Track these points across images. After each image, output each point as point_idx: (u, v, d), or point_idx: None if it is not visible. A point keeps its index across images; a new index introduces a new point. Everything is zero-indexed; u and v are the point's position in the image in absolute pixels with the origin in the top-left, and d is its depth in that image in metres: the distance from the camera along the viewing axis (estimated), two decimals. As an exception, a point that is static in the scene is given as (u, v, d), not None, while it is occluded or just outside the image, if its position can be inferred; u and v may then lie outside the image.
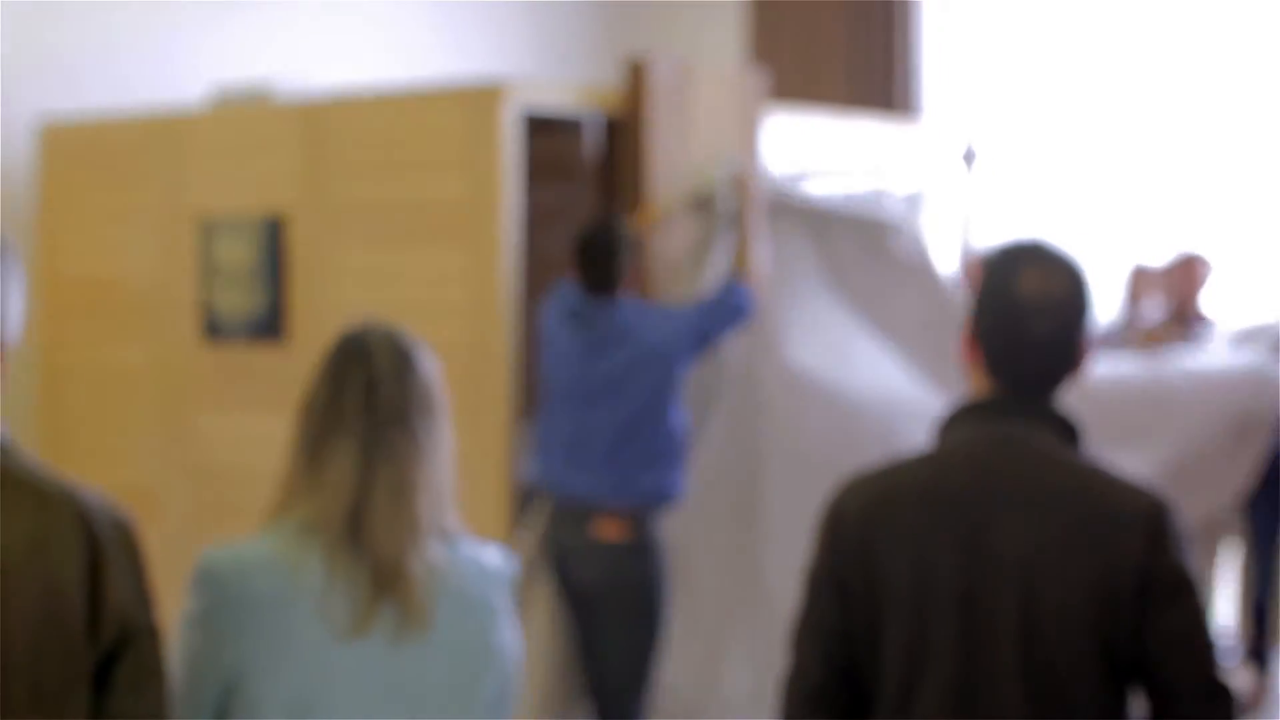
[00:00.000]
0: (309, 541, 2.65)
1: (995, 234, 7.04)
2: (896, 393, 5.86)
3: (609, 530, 5.31)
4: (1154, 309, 7.73)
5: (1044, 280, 2.71)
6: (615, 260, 5.51)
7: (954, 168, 7.52)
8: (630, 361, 5.39)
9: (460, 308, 5.70)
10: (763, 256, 5.71)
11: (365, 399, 2.70)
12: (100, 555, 2.37)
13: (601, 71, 6.93)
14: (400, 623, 2.66)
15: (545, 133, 6.35)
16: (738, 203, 5.80)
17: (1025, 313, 2.70)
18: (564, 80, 7.85)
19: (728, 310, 5.46)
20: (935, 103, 9.28)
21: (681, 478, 5.43)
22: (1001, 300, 2.73)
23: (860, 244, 6.21)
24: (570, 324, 5.53)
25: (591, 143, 6.14)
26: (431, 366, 2.79)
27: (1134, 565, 2.56)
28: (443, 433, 2.77)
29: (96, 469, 6.41)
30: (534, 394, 5.85)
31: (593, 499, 5.35)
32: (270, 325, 6.21)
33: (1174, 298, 7.74)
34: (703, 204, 5.88)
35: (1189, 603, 2.58)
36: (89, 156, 6.86)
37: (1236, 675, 6.61)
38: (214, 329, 6.39)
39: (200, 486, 6.47)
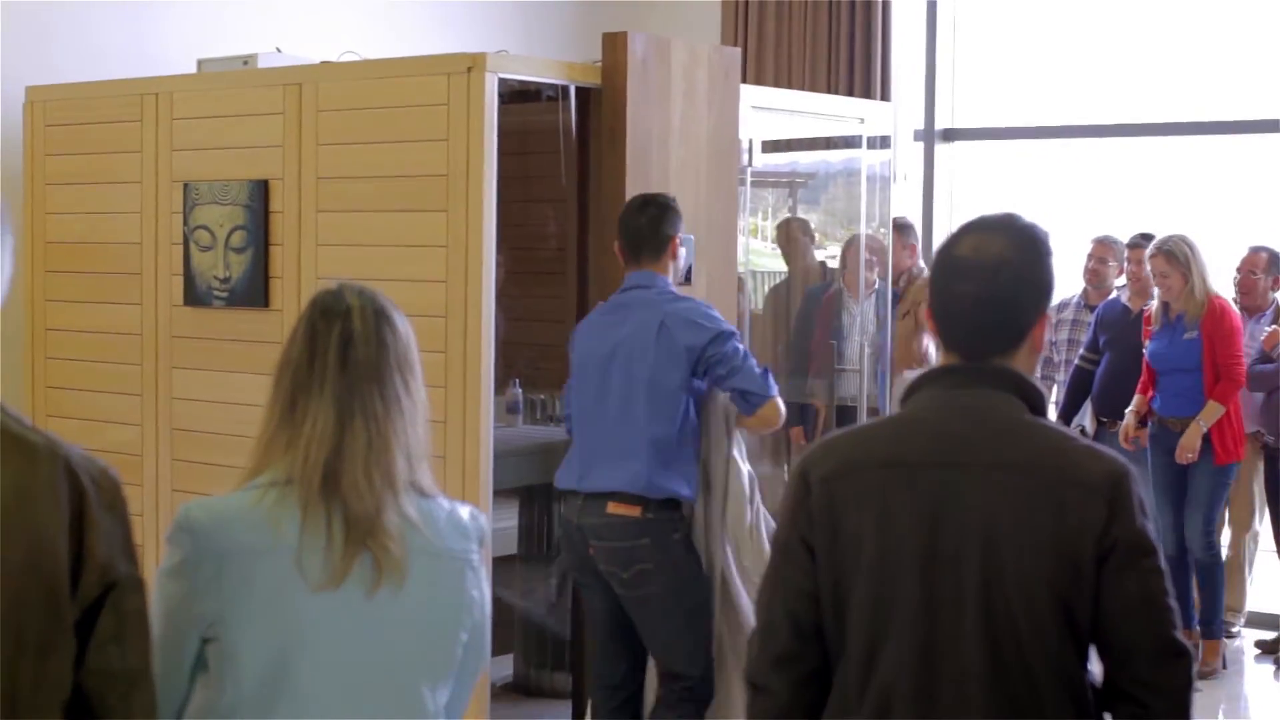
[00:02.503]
0: (286, 495, 2.69)
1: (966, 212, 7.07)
2: None
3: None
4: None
5: (980, 243, 2.75)
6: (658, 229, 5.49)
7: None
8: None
9: (440, 275, 5.73)
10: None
11: (341, 356, 2.73)
12: (85, 508, 2.37)
13: (581, 55, 6.97)
14: (375, 575, 2.69)
15: (525, 105, 6.40)
16: None
17: (956, 273, 2.75)
18: (543, 54, 7.87)
19: (764, 380, 5.38)
20: (904, 87, 9.30)
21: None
22: (941, 261, 2.79)
23: None
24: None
25: (570, 115, 6.17)
26: (405, 325, 2.82)
27: (1095, 529, 2.60)
28: (417, 391, 2.79)
29: (80, 429, 6.45)
30: (512, 360, 5.88)
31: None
32: (252, 291, 6.23)
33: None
34: None
35: (1148, 565, 2.62)
36: (74, 122, 6.87)
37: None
38: (197, 294, 6.41)
39: (183, 448, 6.50)
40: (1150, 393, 7.73)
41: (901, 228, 8.50)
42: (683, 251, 5.64)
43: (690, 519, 5.49)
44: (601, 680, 5.62)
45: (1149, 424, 7.77)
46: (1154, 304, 7.74)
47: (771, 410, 5.40)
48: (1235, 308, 7.75)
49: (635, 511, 5.33)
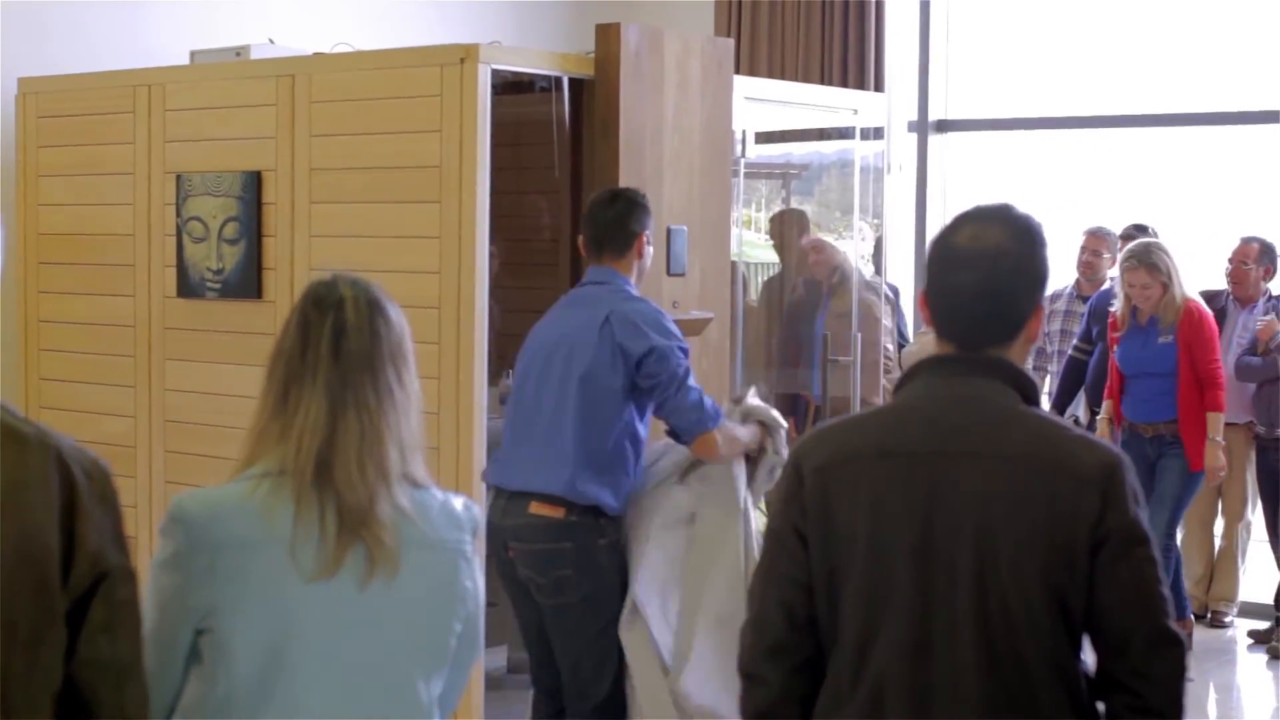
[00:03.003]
0: (279, 486, 2.69)
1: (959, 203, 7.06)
2: None
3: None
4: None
5: (978, 233, 2.75)
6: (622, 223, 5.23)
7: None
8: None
9: (434, 266, 5.73)
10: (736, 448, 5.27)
11: (333, 346, 2.72)
12: (76, 499, 2.37)
13: (574, 46, 6.97)
14: (369, 566, 2.69)
15: (518, 96, 6.40)
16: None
17: (954, 262, 2.75)
18: (536, 46, 7.87)
19: (697, 412, 5.05)
20: (898, 78, 9.30)
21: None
22: (939, 251, 2.79)
23: None
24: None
25: (563, 106, 6.17)
26: (399, 316, 2.81)
27: (1089, 519, 2.60)
28: (411, 383, 2.79)
29: (73, 421, 6.45)
30: (505, 352, 5.88)
31: None
32: (245, 282, 6.23)
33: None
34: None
35: (1141, 555, 2.62)
36: (66, 114, 6.87)
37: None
38: (190, 285, 6.41)
39: (176, 439, 6.50)
40: (1118, 397, 7.66)
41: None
42: (649, 250, 5.30)
43: (622, 527, 5.16)
44: (540, 685, 5.33)
45: (1120, 429, 7.65)
46: (1118, 306, 7.65)
47: (707, 445, 5.06)
48: (1207, 307, 7.59)
49: (558, 513, 5.01)
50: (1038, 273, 2.78)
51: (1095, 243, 8.50)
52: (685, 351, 5.10)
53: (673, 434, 5.16)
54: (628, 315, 5.05)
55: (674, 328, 5.13)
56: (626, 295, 5.15)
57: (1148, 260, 7.37)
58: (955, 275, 2.74)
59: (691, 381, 5.05)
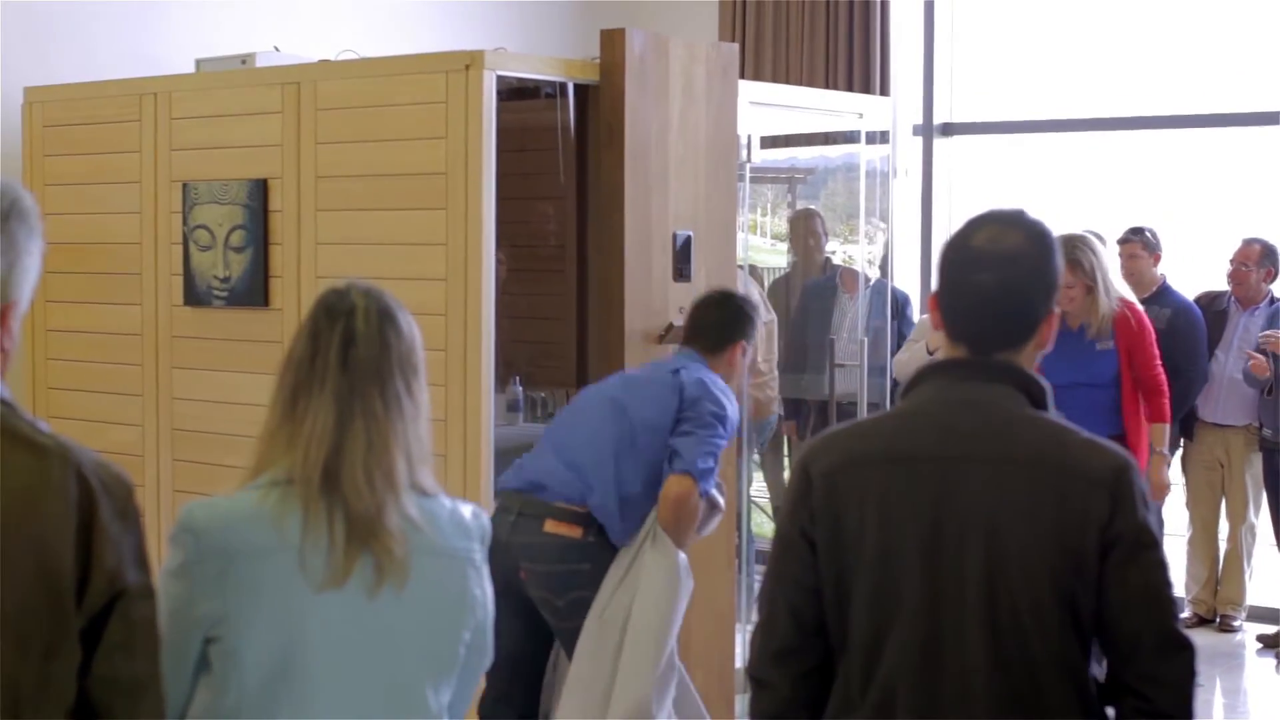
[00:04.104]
0: (288, 495, 2.69)
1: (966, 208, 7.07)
2: None
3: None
4: None
5: (997, 235, 2.75)
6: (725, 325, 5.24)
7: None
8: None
9: (440, 274, 5.74)
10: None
11: (343, 355, 2.72)
12: (94, 514, 2.35)
13: (579, 52, 6.98)
14: (378, 575, 2.69)
15: (523, 102, 6.40)
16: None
17: (974, 264, 2.74)
18: (541, 52, 7.88)
19: (703, 456, 4.97)
20: (903, 82, 9.30)
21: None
22: (955, 253, 2.78)
23: None
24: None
25: (568, 112, 6.17)
26: (411, 326, 2.81)
27: (1098, 522, 2.60)
28: (420, 393, 2.79)
29: (81, 430, 6.44)
30: (512, 358, 5.88)
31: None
32: (252, 290, 6.24)
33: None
34: None
35: (1151, 558, 2.62)
36: (73, 123, 6.88)
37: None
38: (197, 293, 6.41)
39: (184, 448, 6.50)
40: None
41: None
42: (743, 362, 5.31)
43: None
44: (492, 714, 5.19)
45: None
46: None
47: (682, 486, 4.94)
48: (1142, 307, 7.08)
49: (575, 533, 4.94)
50: (1053, 278, 2.78)
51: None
52: (727, 427, 5.05)
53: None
54: (700, 377, 5.08)
55: (733, 410, 5.10)
56: (704, 369, 5.15)
57: (1071, 256, 6.45)
58: (973, 276, 2.74)
59: (719, 441, 5.00)
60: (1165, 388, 6.81)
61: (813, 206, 8.82)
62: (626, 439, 5.03)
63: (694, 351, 5.23)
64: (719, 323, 5.26)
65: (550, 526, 4.95)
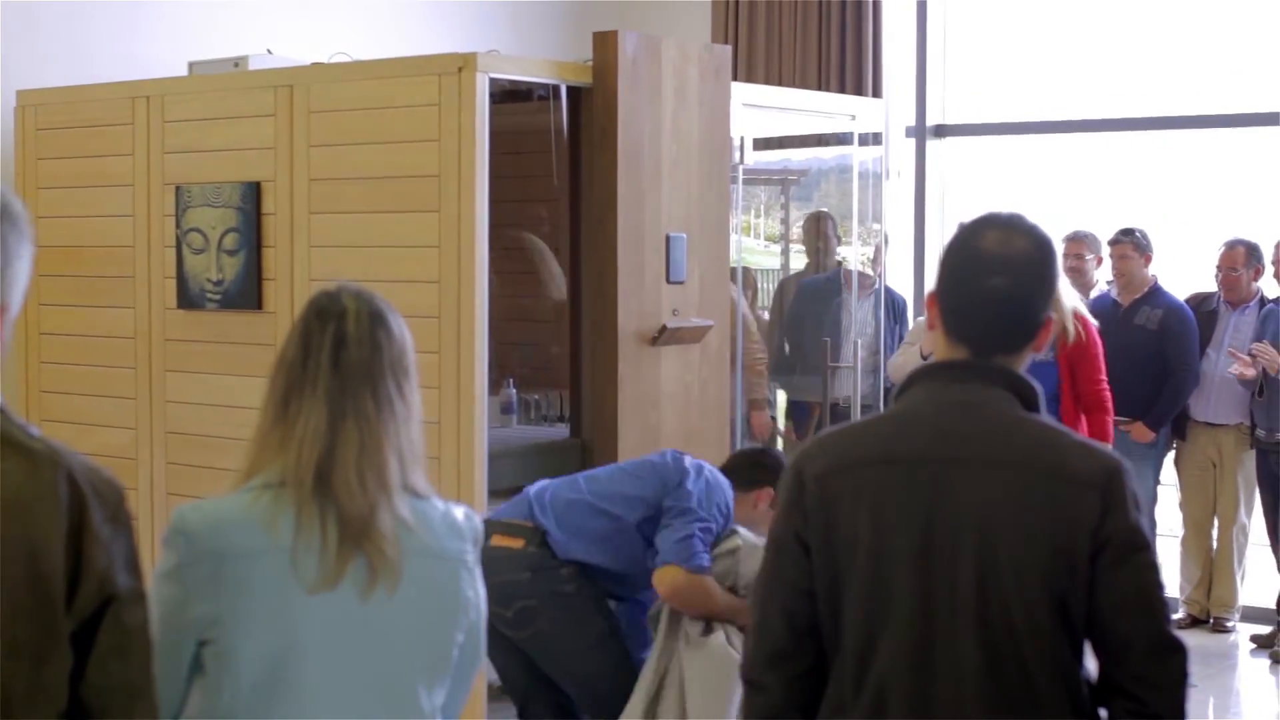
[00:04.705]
0: (280, 497, 2.69)
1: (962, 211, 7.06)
2: None
3: None
4: None
5: (1004, 239, 2.75)
6: (750, 471, 5.26)
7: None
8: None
9: (433, 276, 5.74)
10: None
11: (334, 357, 2.73)
12: (85, 519, 2.34)
13: (572, 54, 6.98)
14: (370, 576, 2.69)
15: (516, 104, 6.40)
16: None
17: (982, 266, 2.74)
18: (534, 54, 7.89)
19: (664, 548, 4.97)
20: (896, 83, 9.30)
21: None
22: (961, 254, 2.78)
23: None
24: None
25: (561, 114, 6.18)
26: (402, 328, 2.81)
27: (1089, 525, 2.60)
28: (411, 394, 2.79)
29: (74, 433, 6.45)
30: (505, 361, 5.88)
31: None
32: (246, 293, 6.24)
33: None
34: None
35: (1142, 561, 2.62)
36: (65, 126, 6.87)
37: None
38: (190, 296, 6.41)
39: (177, 451, 6.50)
40: None
41: None
42: (763, 510, 5.20)
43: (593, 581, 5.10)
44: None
45: None
46: None
47: (669, 577, 4.94)
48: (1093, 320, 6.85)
49: (518, 544, 4.97)
50: (1053, 284, 2.80)
51: (1075, 247, 8.48)
52: (715, 513, 5.05)
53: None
54: (709, 476, 5.09)
55: (722, 512, 5.08)
56: (709, 480, 5.11)
57: None
58: (984, 279, 2.73)
59: (697, 524, 4.98)
60: (1109, 405, 6.65)
61: (824, 210, 8.81)
62: (616, 490, 5.12)
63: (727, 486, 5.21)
64: (751, 465, 5.32)
65: (495, 540, 4.95)
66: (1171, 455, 8.54)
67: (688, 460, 5.12)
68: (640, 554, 5.05)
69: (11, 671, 2.28)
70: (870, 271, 8.39)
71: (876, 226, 8.21)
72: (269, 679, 2.67)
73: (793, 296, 8.72)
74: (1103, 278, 8.66)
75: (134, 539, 2.43)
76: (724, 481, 5.14)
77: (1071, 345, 6.41)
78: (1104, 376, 6.61)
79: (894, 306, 8.66)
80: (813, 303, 8.58)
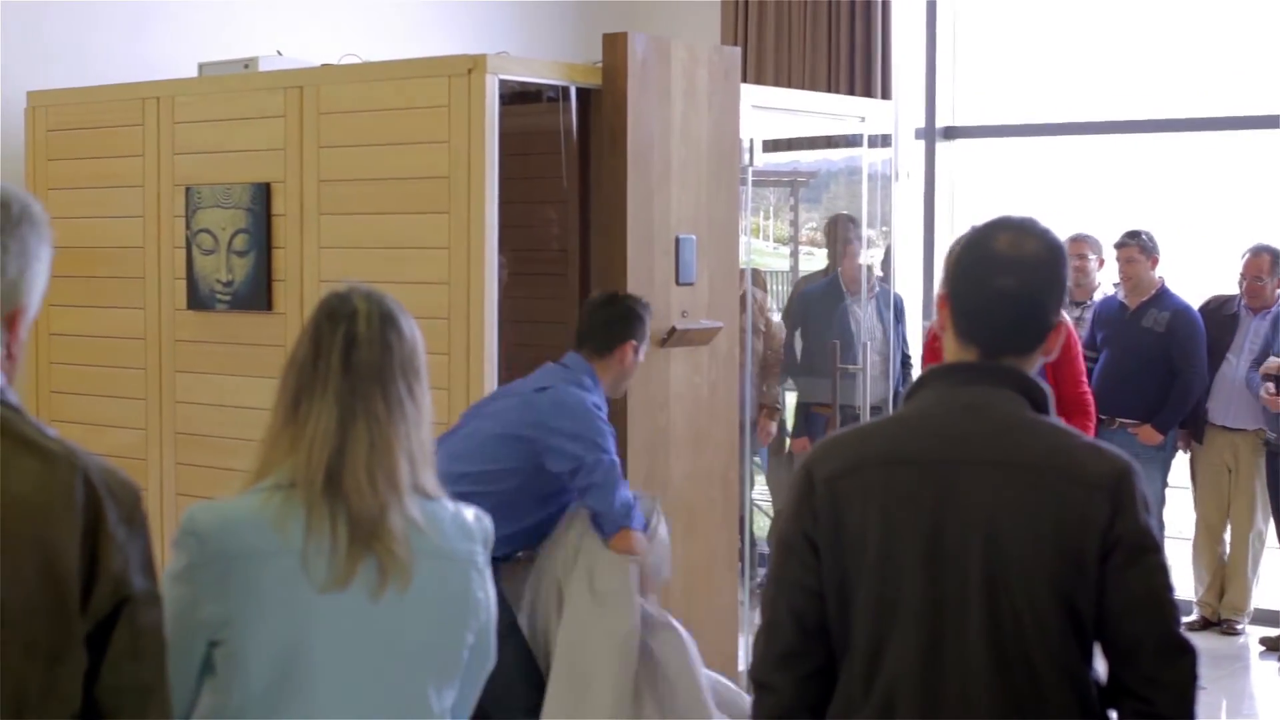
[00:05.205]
0: (291, 498, 2.69)
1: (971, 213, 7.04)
2: None
3: None
4: None
5: (1016, 241, 2.76)
6: (610, 325, 5.23)
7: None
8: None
9: (442, 277, 5.74)
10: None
11: (345, 358, 2.73)
12: (100, 520, 2.35)
13: (581, 56, 6.98)
14: (381, 577, 2.70)
15: (525, 106, 6.40)
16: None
17: (994, 266, 2.74)
18: (543, 56, 7.89)
19: (618, 509, 4.99)
20: (905, 85, 9.30)
21: None
22: (974, 255, 2.78)
23: None
24: None
25: (570, 116, 6.18)
26: (413, 329, 2.82)
27: (1099, 526, 2.60)
28: (422, 396, 2.79)
29: (84, 434, 6.46)
30: (514, 362, 5.88)
31: None
32: (255, 294, 6.24)
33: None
34: None
35: (1152, 562, 2.62)
36: (76, 127, 6.89)
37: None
38: (200, 297, 6.42)
39: (187, 452, 6.51)
40: None
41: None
42: (635, 361, 5.30)
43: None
44: None
45: None
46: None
47: (622, 544, 5.00)
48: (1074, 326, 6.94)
49: None
50: (1064, 287, 2.82)
51: (1078, 248, 8.47)
52: (606, 442, 5.03)
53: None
54: (561, 399, 5.05)
55: (603, 426, 5.06)
56: (575, 381, 5.11)
57: None
58: (996, 280, 2.74)
59: (611, 472, 4.98)
60: (1091, 409, 6.73)
61: (845, 212, 8.80)
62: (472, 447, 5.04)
63: (581, 358, 5.22)
64: (605, 323, 5.26)
65: None
66: (1186, 458, 8.53)
67: (545, 397, 5.03)
68: (526, 512, 5.03)
69: (26, 672, 2.29)
70: (879, 272, 8.38)
71: (885, 229, 8.20)
72: (279, 680, 2.67)
73: (796, 301, 8.71)
74: (1104, 279, 8.66)
75: (149, 540, 2.44)
76: (576, 397, 5.07)
77: (1060, 351, 6.39)
78: (1085, 380, 6.70)
79: (896, 307, 8.65)
80: (817, 306, 8.57)
